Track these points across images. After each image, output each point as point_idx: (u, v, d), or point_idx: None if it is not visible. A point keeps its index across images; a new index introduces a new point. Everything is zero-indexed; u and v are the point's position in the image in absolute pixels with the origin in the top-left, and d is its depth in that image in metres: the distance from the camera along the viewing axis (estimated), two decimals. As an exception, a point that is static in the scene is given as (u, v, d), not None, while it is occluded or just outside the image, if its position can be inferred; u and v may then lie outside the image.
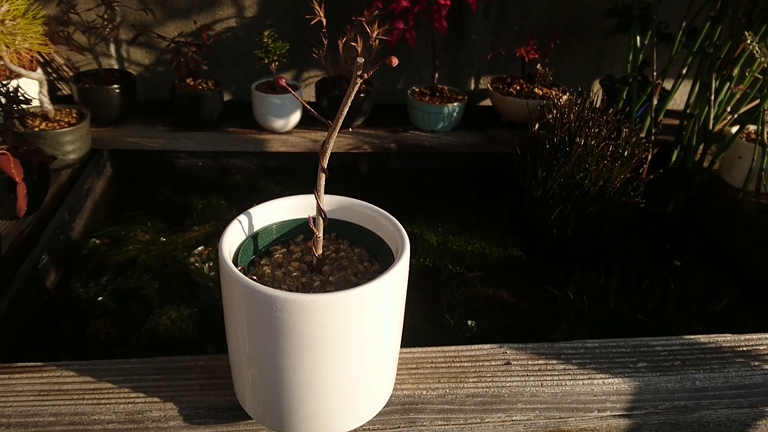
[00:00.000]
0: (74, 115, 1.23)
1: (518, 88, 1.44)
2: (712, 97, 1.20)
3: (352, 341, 0.58)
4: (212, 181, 1.35)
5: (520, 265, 1.17)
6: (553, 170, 1.17)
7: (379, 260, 0.67)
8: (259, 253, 0.67)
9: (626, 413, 0.75)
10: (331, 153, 0.59)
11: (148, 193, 1.29)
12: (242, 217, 0.65)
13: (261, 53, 1.28)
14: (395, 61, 0.51)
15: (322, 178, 0.61)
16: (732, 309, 1.12)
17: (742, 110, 1.25)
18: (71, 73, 1.42)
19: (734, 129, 1.28)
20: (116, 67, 1.48)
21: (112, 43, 1.45)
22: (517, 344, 0.79)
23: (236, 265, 0.62)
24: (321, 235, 0.63)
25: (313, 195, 0.62)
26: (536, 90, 1.42)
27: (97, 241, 1.11)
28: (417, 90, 1.44)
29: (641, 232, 1.30)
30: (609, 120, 1.18)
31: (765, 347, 0.81)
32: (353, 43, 1.28)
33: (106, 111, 1.32)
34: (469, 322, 0.98)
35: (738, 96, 1.22)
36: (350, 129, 1.38)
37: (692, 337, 0.82)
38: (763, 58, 1.07)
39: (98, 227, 1.16)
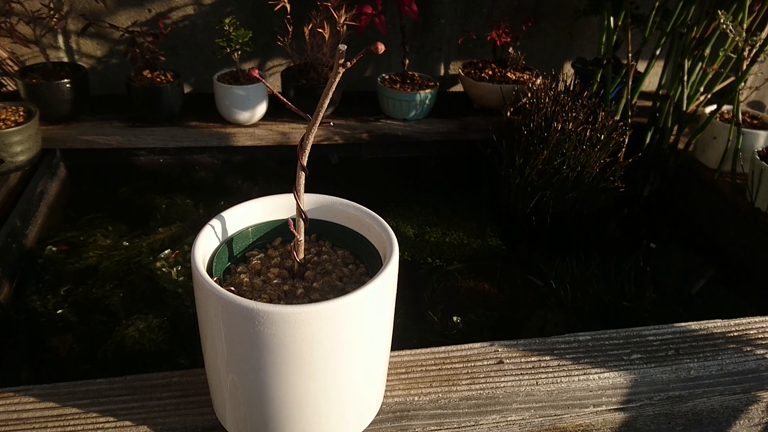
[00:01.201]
0: (21, 113, 1.14)
1: (490, 72, 1.40)
2: (685, 78, 1.18)
3: (342, 352, 0.54)
4: (175, 179, 1.28)
5: (500, 255, 1.14)
6: (530, 157, 1.15)
7: (365, 262, 0.63)
8: (234, 259, 0.62)
9: (622, 407, 0.73)
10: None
11: (107, 195, 1.22)
12: (215, 222, 0.60)
13: (222, 42, 1.21)
14: (381, 47, 0.46)
15: (302, 177, 0.56)
16: (711, 290, 1.12)
17: (716, 89, 1.24)
18: (16, 68, 1.32)
19: (708, 109, 1.27)
20: (66, 60, 1.39)
21: (60, 35, 1.36)
22: (509, 341, 0.76)
23: (211, 275, 0.57)
24: (302, 238, 0.59)
25: (290, 194, 0.58)
26: (509, 74, 1.39)
27: (54, 249, 1.04)
28: (387, 77, 1.39)
29: (619, 216, 1.29)
30: (585, 103, 1.15)
31: (755, 331, 0.80)
32: (320, 30, 1.22)
33: (57, 107, 1.23)
34: (455, 319, 0.95)
35: (710, 76, 1.22)
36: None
37: (683, 324, 0.80)
38: (737, 37, 1.06)
39: (54, 233, 1.08)
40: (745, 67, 1.11)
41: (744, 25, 1.09)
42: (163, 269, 1.00)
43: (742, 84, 1.12)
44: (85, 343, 0.85)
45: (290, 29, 1.25)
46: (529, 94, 1.18)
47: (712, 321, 0.81)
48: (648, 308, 1.03)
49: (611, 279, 1.08)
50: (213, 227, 0.60)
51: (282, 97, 0.52)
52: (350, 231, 0.64)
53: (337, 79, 0.49)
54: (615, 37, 1.23)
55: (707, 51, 1.18)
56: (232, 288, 0.54)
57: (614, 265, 1.10)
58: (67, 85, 1.22)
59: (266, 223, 0.64)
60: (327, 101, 0.51)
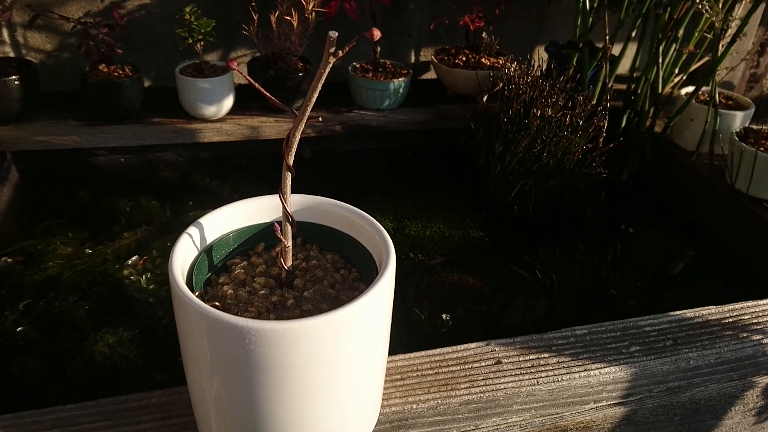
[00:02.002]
0: (-34, 114, 1.05)
1: (464, 59, 1.37)
2: (660, 59, 1.17)
3: (342, 366, 0.49)
4: (139, 180, 1.21)
5: (482, 246, 1.11)
6: (510, 144, 1.12)
7: (357, 266, 0.58)
8: (215, 269, 0.57)
9: (622, 401, 0.71)
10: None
11: (65, 199, 1.14)
12: (192, 229, 0.55)
13: (184, 32, 1.14)
14: (377, 34, 0.42)
15: (288, 178, 0.52)
16: (692, 273, 1.11)
17: (691, 69, 1.24)
18: (-43, 65, 1.23)
19: (683, 91, 1.27)
20: (12, 55, 1.29)
21: (4, 28, 1.26)
22: (505, 340, 0.73)
23: (191, 288, 0.52)
24: (290, 243, 0.54)
25: (272, 195, 0.53)
26: (483, 60, 1.36)
27: (9, 260, 0.96)
28: (358, 66, 1.34)
29: (598, 202, 1.27)
30: (563, 88, 1.13)
31: (749, 316, 0.79)
32: (287, 17, 1.16)
33: (5, 106, 1.14)
34: (444, 316, 0.91)
35: (685, 56, 1.21)
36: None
37: (678, 312, 0.79)
38: (714, 17, 1.05)
39: (8, 243, 1.00)
40: (722, 47, 1.10)
41: (719, 4, 1.08)
42: (132, 277, 0.93)
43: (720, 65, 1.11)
44: (51, 363, 0.79)
45: (255, 17, 1.19)
46: (506, 79, 1.15)
47: (706, 308, 0.80)
48: (631, 294, 1.02)
49: (594, 266, 1.06)
50: (191, 235, 0.54)
51: (265, 92, 0.47)
52: (339, 233, 0.60)
53: (327, 70, 0.44)
54: (590, 19, 1.20)
55: (681, 31, 1.16)
56: (217, 303, 0.49)
57: (597, 251, 1.08)
58: (15, 82, 1.13)
59: (248, 228, 0.59)
60: (315, 94, 0.46)
